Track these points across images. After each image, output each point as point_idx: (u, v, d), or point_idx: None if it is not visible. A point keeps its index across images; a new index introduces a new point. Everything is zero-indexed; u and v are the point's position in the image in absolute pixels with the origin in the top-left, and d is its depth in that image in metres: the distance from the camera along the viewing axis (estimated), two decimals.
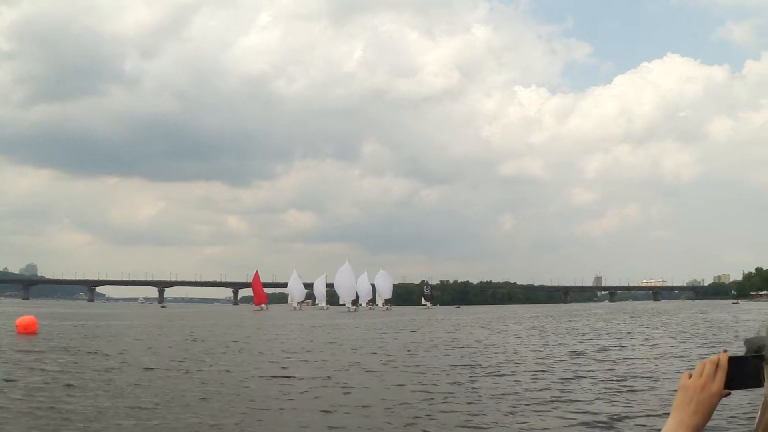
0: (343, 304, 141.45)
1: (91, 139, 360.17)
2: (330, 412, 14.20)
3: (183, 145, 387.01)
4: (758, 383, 1.71)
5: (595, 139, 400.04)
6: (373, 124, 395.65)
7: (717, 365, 1.76)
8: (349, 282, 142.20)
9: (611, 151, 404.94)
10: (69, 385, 17.42)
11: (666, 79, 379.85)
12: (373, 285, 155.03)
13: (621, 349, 29.82)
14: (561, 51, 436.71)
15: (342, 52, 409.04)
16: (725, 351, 1.79)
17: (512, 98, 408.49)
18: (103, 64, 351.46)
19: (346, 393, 16.87)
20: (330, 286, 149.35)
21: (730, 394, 1.76)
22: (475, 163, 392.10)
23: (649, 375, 19.98)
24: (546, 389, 17.33)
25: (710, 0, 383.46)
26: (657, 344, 32.94)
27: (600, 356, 26.46)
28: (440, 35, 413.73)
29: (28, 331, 38.98)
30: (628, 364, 23.12)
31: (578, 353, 27.95)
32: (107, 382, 18.39)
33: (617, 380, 18.76)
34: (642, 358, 25.41)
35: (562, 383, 18.40)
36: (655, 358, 25.46)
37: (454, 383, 18.61)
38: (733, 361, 1.76)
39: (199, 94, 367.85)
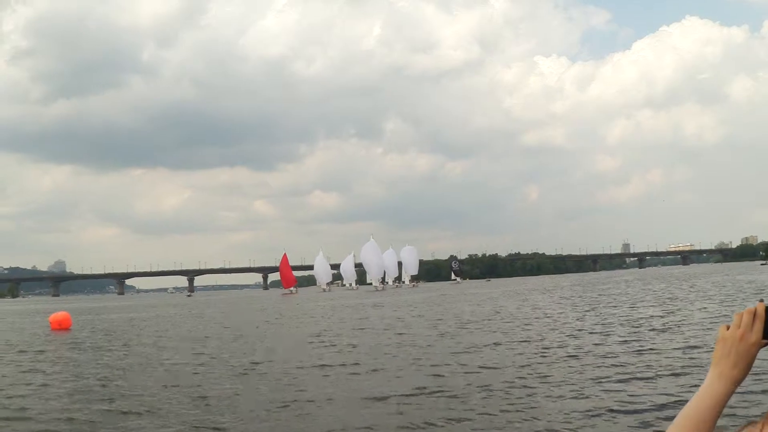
0: (370, 283, 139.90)
1: (112, 132, 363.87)
2: (368, 399, 13.28)
3: (205, 133, 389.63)
4: None
5: (616, 105, 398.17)
6: (394, 101, 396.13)
7: (754, 315, 1.72)
8: (376, 259, 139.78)
9: (633, 116, 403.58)
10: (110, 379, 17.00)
11: (685, 42, 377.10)
12: (399, 262, 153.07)
13: (666, 317, 28.64)
14: (579, 18, 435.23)
15: (360, 31, 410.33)
16: (761, 301, 1.75)
17: (533, 68, 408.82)
18: (121, 55, 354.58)
19: (384, 379, 15.83)
20: (359, 266, 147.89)
21: (767, 344, 1.74)
22: (497, 135, 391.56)
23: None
24: (590, 366, 16.24)
25: None
26: (703, 309, 31.78)
27: (649, 325, 25.20)
28: (457, 8, 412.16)
29: (63, 327, 38.73)
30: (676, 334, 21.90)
31: (622, 324, 26.71)
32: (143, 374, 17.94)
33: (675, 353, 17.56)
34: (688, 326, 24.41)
35: (612, 359, 17.30)
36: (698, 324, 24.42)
37: (501, 363, 17.41)
38: None
39: (218, 80, 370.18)
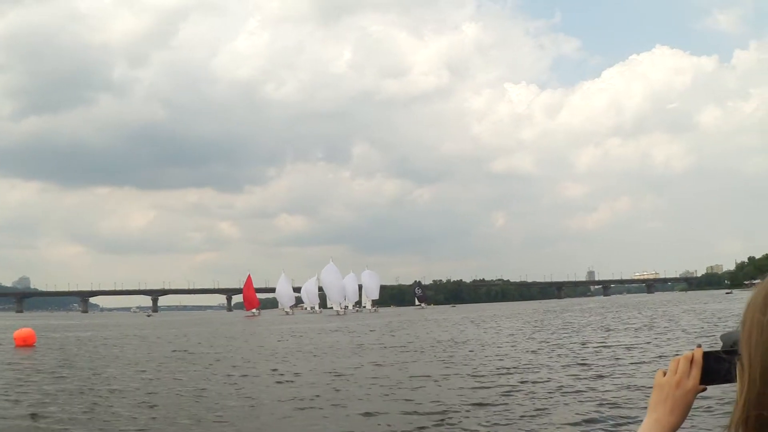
0: (331, 307, 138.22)
1: (80, 149, 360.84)
2: None
3: (173, 153, 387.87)
4: (732, 378, 1.68)
5: (585, 133, 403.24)
6: (362, 126, 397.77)
7: (691, 361, 1.74)
8: (336, 282, 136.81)
9: (601, 144, 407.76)
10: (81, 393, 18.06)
11: (655, 71, 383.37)
12: (360, 286, 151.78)
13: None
14: (549, 46, 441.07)
15: (331, 55, 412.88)
16: (699, 346, 1.79)
17: (502, 95, 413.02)
18: (92, 73, 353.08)
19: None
20: (321, 289, 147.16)
21: (705, 389, 1.75)
22: (466, 161, 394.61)
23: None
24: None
25: None
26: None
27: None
28: (428, 34, 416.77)
29: (27, 344, 39.33)
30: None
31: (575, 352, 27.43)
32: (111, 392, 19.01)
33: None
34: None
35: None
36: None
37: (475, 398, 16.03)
38: (707, 356, 1.75)
39: (188, 100, 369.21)
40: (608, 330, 39.03)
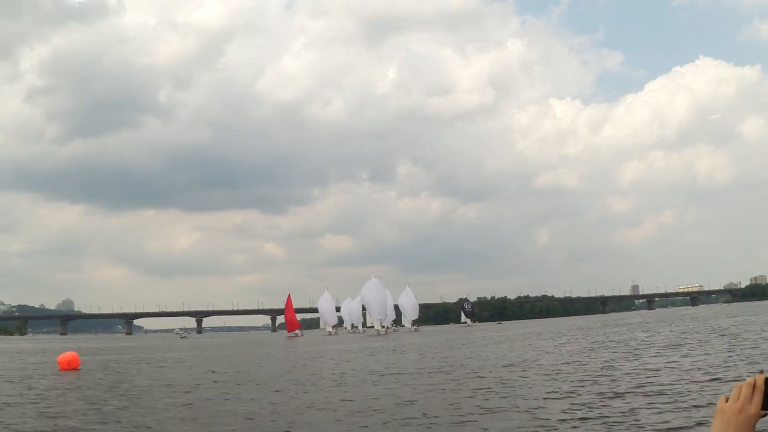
0: (372, 326, 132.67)
1: (126, 172, 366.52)
2: None
3: (218, 175, 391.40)
4: None
5: (628, 146, 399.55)
6: (407, 144, 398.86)
7: (754, 387, 1.76)
8: (379, 298, 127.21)
9: (645, 157, 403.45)
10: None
11: (698, 83, 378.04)
12: (396, 306, 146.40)
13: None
14: (593, 61, 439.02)
15: (376, 74, 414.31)
16: (761, 372, 1.79)
17: (547, 111, 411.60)
18: (138, 96, 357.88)
19: None
20: (364, 308, 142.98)
21: (767, 414, 1.77)
22: (510, 178, 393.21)
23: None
24: None
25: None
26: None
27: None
28: (473, 52, 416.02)
29: (71, 367, 38.97)
30: None
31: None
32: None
33: None
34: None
35: None
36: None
37: None
38: None
39: (233, 122, 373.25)
40: (673, 346, 36.95)
